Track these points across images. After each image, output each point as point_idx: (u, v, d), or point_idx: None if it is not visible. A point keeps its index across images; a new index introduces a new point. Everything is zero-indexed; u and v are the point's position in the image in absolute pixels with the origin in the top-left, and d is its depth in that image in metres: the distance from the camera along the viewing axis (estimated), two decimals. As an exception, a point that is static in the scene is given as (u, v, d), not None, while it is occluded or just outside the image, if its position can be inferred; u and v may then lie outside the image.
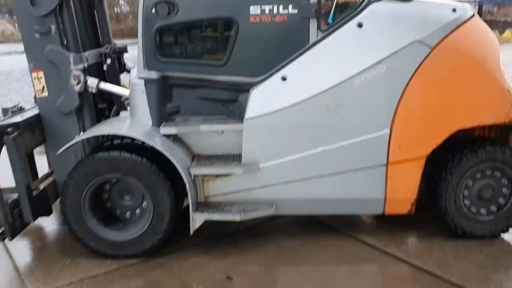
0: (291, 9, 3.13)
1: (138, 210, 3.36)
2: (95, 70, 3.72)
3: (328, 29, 3.15)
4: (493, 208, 3.40)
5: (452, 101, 3.18)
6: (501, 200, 3.39)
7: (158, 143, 3.19)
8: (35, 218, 3.42)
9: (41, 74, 3.43)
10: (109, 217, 3.37)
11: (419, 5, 3.13)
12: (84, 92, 3.47)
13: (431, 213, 3.51)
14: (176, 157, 3.19)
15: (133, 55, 3.54)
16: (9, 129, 3.25)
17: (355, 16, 3.12)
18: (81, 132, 3.49)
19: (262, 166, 3.27)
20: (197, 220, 3.25)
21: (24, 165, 3.32)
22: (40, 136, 3.55)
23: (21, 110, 3.73)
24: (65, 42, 3.39)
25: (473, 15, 3.18)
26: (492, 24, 31.71)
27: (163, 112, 3.35)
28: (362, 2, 3.12)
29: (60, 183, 3.57)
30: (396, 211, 3.39)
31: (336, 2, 3.12)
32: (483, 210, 3.40)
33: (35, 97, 3.81)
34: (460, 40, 3.14)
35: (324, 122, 3.22)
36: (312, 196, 3.35)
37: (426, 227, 3.62)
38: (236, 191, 3.34)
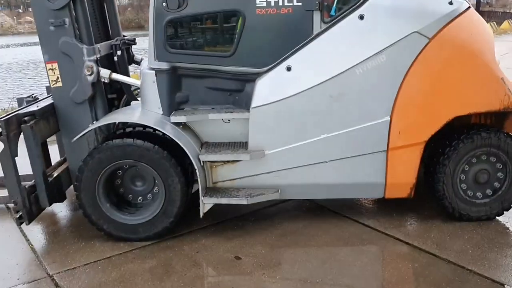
0: (295, 2, 3.27)
1: (149, 195, 3.52)
2: (106, 61, 3.86)
3: (331, 21, 3.29)
4: (489, 191, 3.56)
5: (449, 90, 3.32)
6: (496, 184, 3.55)
7: (169, 131, 3.34)
8: (50, 203, 3.58)
9: (55, 65, 3.57)
10: (122, 202, 3.52)
11: (418, -3, 3.27)
12: (97, 83, 3.61)
13: (430, 197, 3.67)
14: (186, 144, 3.34)
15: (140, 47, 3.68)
16: (26, 118, 3.40)
17: (356, 8, 3.26)
18: (94, 121, 3.64)
19: (267, 152, 3.42)
20: (206, 204, 3.41)
21: (40, 152, 3.47)
22: (55, 125, 3.70)
23: (35, 100, 3.87)
24: (78, 35, 3.53)
25: (469, 8, 3.32)
26: (490, 14, 31.77)
27: (173, 101, 3.50)
28: (363, -5, 3.26)
29: (73, 170, 3.72)
30: (396, 195, 3.55)
31: (339, -6, 3.26)
32: (479, 194, 3.56)
33: (48, 87, 3.95)
34: (457, 31, 3.28)
35: (327, 110, 3.37)
36: (316, 181, 3.50)
37: (425, 210, 3.78)
38: (243, 176, 3.50)
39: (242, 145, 3.48)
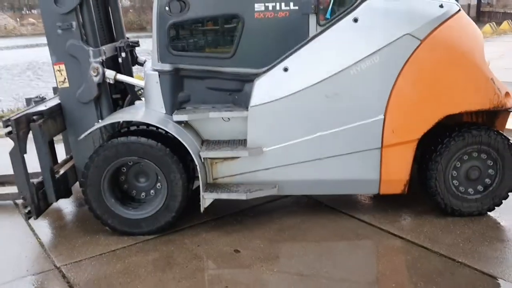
0: (292, 6, 3.41)
1: (152, 191, 3.66)
2: (111, 63, 4.00)
3: (326, 24, 3.42)
4: (480, 187, 3.68)
5: (440, 89, 3.46)
6: (488, 180, 3.68)
7: (171, 129, 3.48)
8: (57, 199, 3.73)
9: (62, 66, 3.72)
10: (126, 197, 3.66)
11: (409, 1, 3.41)
12: (102, 83, 3.76)
13: (424, 194, 3.79)
14: (188, 141, 3.48)
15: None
16: (34, 117, 3.55)
17: (351, 11, 3.40)
18: (99, 120, 3.78)
19: (265, 150, 3.56)
20: (207, 199, 3.55)
21: (48, 149, 3.62)
22: (61, 124, 3.85)
23: (43, 100, 4.02)
24: (84, 37, 3.68)
25: (459, 10, 3.45)
26: (491, 15, 31.86)
27: (175, 101, 3.64)
28: (357, -1, 3.40)
29: (79, 167, 3.87)
30: (390, 191, 3.67)
31: (334, -1, 3.40)
32: (470, 190, 3.69)
33: (55, 88, 4.10)
34: (447, 33, 3.41)
35: (323, 109, 3.50)
36: (312, 177, 3.64)
37: (419, 206, 3.90)
38: (242, 173, 3.63)
39: (241, 143, 3.62)
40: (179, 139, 3.44)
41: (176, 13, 3.43)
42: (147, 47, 3.62)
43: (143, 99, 3.91)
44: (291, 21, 3.43)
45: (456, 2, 3.48)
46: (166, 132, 3.53)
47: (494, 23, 22.76)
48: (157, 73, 3.58)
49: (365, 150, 3.56)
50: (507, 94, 3.56)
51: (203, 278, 3.09)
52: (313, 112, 3.52)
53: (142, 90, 3.97)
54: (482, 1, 35.61)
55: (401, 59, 3.40)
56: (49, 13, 3.62)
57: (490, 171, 3.66)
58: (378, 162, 3.58)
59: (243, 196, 3.52)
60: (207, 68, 3.59)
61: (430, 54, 3.40)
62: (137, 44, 4.40)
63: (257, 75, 3.51)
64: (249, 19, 3.44)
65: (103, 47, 3.81)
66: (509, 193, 3.68)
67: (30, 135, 3.57)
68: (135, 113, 3.78)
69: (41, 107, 3.71)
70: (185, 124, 3.63)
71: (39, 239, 3.69)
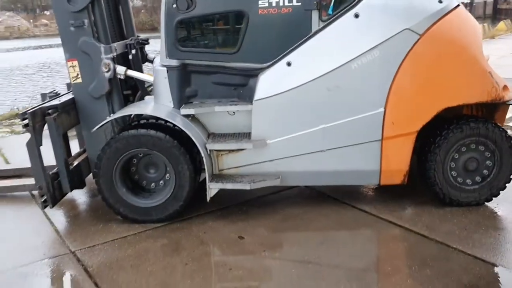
0: (295, 2, 3.54)
1: (161, 182, 3.82)
2: (121, 59, 4.17)
3: (328, 19, 3.55)
4: (478, 178, 3.79)
5: (439, 83, 3.56)
6: (485, 172, 3.78)
7: (179, 122, 3.64)
8: (72, 189, 3.91)
9: (75, 63, 3.90)
10: (136, 187, 3.83)
11: (409, -3, 3.52)
12: (113, 79, 3.93)
13: (422, 185, 3.91)
14: (195, 134, 3.64)
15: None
16: (49, 111, 3.73)
17: (352, 7, 3.52)
18: (111, 114, 3.96)
19: (269, 142, 3.70)
20: (212, 189, 3.70)
21: (62, 142, 3.81)
22: (75, 118, 4.03)
23: (57, 95, 4.21)
24: (96, 35, 3.85)
25: (458, 5, 3.55)
26: (508, 12, 31.52)
27: (182, 96, 3.80)
28: (358, -5, 3.52)
29: (92, 159, 4.05)
30: (390, 182, 3.79)
31: (335, -5, 3.53)
32: (468, 181, 3.79)
33: (69, 83, 4.29)
34: (446, 28, 3.52)
35: (325, 102, 3.63)
36: (314, 168, 3.77)
37: (418, 197, 4.02)
38: (246, 164, 3.78)
39: (246, 136, 3.76)
40: (187, 132, 3.60)
41: (183, 10, 3.59)
42: (158, 47, 3.76)
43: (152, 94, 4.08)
44: (294, 17, 3.56)
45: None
46: (174, 125, 3.69)
47: (510, 20, 22.61)
48: (165, 68, 3.74)
49: (366, 142, 3.68)
50: (505, 87, 3.65)
51: (209, 262, 3.25)
52: (316, 105, 3.65)
53: (151, 86, 4.14)
54: (499, -1, 35.27)
55: (401, 53, 3.51)
56: (62, 11, 3.79)
57: (488, 162, 3.76)
58: (379, 154, 3.69)
59: (247, 186, 3.66)
60: (213, 63, 3.74)
61: (429, 48, 3.50)
62: (147, 42, 4.56)
63: (261, 70, 3.65)
64: (254, 15, 3.57)
65: (114, 44, 3.98)
66: (506, 184, 3.78)
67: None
68: (145, 107, 3.95)
69: (56, 102, 3.90)
70: (192, 118, 3.78)
71: (55, 226, 3.88)
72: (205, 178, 3.71)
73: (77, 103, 4.00)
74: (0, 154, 6.03)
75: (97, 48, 3.82)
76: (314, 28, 3.56)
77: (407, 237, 3.44)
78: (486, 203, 3.83)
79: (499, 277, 2.93)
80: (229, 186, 3.68)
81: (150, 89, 4.35)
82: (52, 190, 3.76)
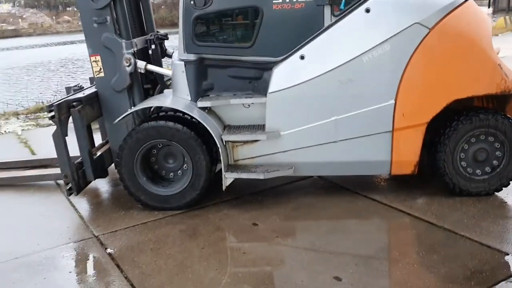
0: (308, -2, 3.67)
1: (179, 171, 4.00)
2: (141, 54, 4.35)
3: (340, 14, 3.67)
4: (487, 169, 3.87)
5: (449, 75, 3.66)
6: (495, 162, 3.85)
7: (196, 114, 3.81)
8: (95, 177, 4.13)
9: (98, 58, 4.09)
10: (156, 176, 4.02)
11: (418, -9, 3.61)
12: (134, 73, 4.12)
13: (433, 175, 4.00)
14: (211, 126, 3.80)
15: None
16: (74, 103, 3.94)
17: (363, 2, 3.63)
18: (132, 106, 4.15)
19: (283, 133, 3.84)
20: (228, 178, 3.86)
21: (86, 132, 4.01)
22: (98, 110, 4.24)
23: (81, 88, 4.43)
24: (118, 31, 4.04)
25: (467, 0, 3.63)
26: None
27: (199, 89, 3.97)
28: (369, -10, 3.62)
29: (114, 149, 4.25)
30: (401, 172, 3.90)
31: (347, -10, 3.64)
32: (478, 171, 3.87)
33: (91, 78, 4.49)
34: (455, 21, 3.60)
35: (337, 95, 3.75)
36: (327, 159, 3.90)
37: (429, 187, 4.11)
38: (260, 155, 3.93)
39: (260, 127, 3.91)
40: (203, 123, 3.76)
41: (200, 6, 3.75)
42: (177, 42, 3.93)
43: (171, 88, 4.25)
44: (307, 12, 3.69)
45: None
46: (192, 117, 3.86)
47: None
48: (183, 63, 3.91)
49: (377, 133, 3.79)
50: (514, 79, 3.72)
51: (224, 246, 3.42)
52: (328, 97, 3.77)
53: (170, 81, 4.32)
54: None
55: (411, 47, 3.60)
56: (86, 8, 3.99)
57: (497, 153, 3.83)
58: (390, 144, 3.80)
59: (261, 176, 3.81)
60: (229, 57, 3.89)
61: (438, 41, 3.59)
62: (166, 37, 4.74)
63: (275, 63, 3.78)
64: (268, 10, 3.71)
65: (135, 40, 4.17)
66: (516, 174, 3.85)
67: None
68: (164, 100, 4.14)
69: (80, 95, 4.11)
70: (209, 110, 3.95)
71: (79, 213, 4.09)
72: (221, 169, 3.88)
73: (100, 96, 4.20)
74: (27, 145, 6.31)
75: (119, 44, 4.01)
76: (327, 22, 3.69)
77: (416, 225, 3.55)
78: (495, 193, 3.90)
79: (504, 262, 3.02)
80: (244, 175, 3.84)
81: (169, 82, 4.53)
82: (77, 179, 3.97)
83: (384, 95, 3.71)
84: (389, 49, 3.62)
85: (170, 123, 3.79)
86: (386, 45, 3.62)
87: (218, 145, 3.78)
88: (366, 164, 3.90)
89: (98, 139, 4.78)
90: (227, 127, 4.01)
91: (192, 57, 3.88)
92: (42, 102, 8.94)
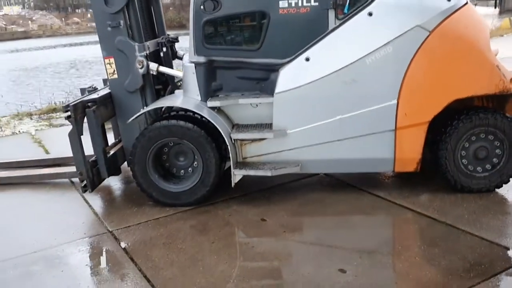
0: (313, 2, 3.81)
1: (190, 169, 4.16)
2: (153, 56, 4.52)
3: (344, 18, 3.81)
4: (488, 166, 3.99)
5: (449, 76, 3.78)
6: (495, 160, 3.97)
7: (206, 114, 3.97)
8: (109, 175, 4.30)
9: (112, 60, 4.26)
10: (167, 174, 4.18)
11: (419, -5, 3.74)
12: (146, 75, 4.28)
13: (435, 172, 4.12)
14: (220, 124, 3.95)
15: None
16: (89, 104, 4.11)
17: (366, 6, 3.77)
18: (144, 107, 4.31)
19: (289, 132, 3.98)
20: (237, 175, 4.02)
21: (100, 132, 4.18)
22: (112, 110, 4.40)
23: (95, 89, 4.60)
24: (131, 34, 4.21)
25: (466, 3, 3.75)
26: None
27: (209, 89, 4.12)
28: (372, -6, 3.76)
29: (127, 148, 4.42)
30: (404, 169, 4.03)
31: (351, -5, 3.78)
32: (479, 168, 4.00)
33: (105, 79, 4.66)
34: (455, 24, 3.73)
35: (342, 95, 3.88)
36: (332, 157, 4.03)
37: (432, 184, 4.24)
38: (268, 152, 4.07)
39: (268, 126, 4.06)
40: (213, 122, 3.92)
41: (209, 11, 3.90)
42: (187, 44, 4.09)
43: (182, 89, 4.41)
44: (312, 16, 3.83)
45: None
46: (202, 116, 4.02)
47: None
48: (193, 64, 4.07)
49: (381, 132, 3.92)
50: (512, 79, 3.84)
51: (233, 241, 3.58)
52: (333, 97, 3.91)
53: (181, 81, 4.48)
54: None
55: (412, 48, 3.73)
56: (100, 13, 4.16)
57: (497, 151, 3.95)
58: (393, 143, 3.93)
59: (268, 173, 3.96)
60: (237, 59, 4.04)
61: (438, 44, 3.72)
62: (176, 40, 4.90)
63: (282, 65, 3.93)
64: (275, 14, 3.86)
65: (147, 43, 4.33)
66: (516, 171, 3.96)
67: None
68: (175, 100, 4.30)
69: (94, 96, 4.28)
70: (218, 110, 4.10)
71: (93, 209, 4.26)
72: (229, 166, 4.03)
73: (113, 97, 4.37)
74: (41, 145, 6.50)
75: (132, 47, 4.17)
76: (331, 26, 3.82)
77: (419, 220, 3.68)
78: (496, 190, 4.02)
79: (502, 255, 3.14)
80: (252, 172, 3.99)
81: (179, 83, 4.70)
82: (91, 176, 4.14)
83: (387, 95, 3.84)
84: (391, 51, 3.76)
85: (181, 122, 3.95)
86: (388, 47, 3.75)
87: (227, 143, 3.93)
88: (370, 161, 4.04)
89: (110, 138, 4.96)
90: (236, 126, 4.16)
91: (202, 59, 4.04)
92: (55, 103, 9.15)
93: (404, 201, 4.00)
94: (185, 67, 4.17)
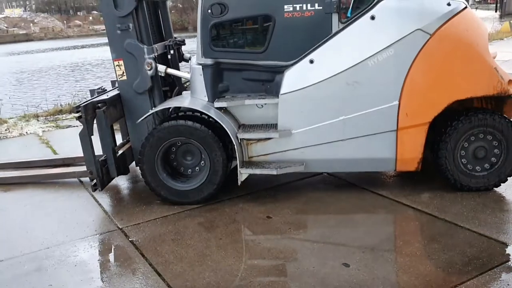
0: (317, 6, 3.94)
1: (197, 168, 4.29)
2: (161, 59, 4.65)
3: (347, 21, 3.94)
4: (486, 165, 4.11)
5: (448, 78, 3.91)
6: (493, 159, 4.10)
7: (213, 114, 4.09)
8: (118, 174, 4.42)
9: (121, 62, 4.39)
10: (175, 173, 4.31)
11: (420, 0, 3.87)
12: (155, 76, 4.41)
13: (435, 171, 4.24)
14: (227, 125, 4.08)
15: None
16: (99, 104, 4.23)
17: (368, 10, 3.90)
18: (152, 107, 4.43)
19: (294, 132, 4.10)
20: (243, 174, 4.14)
21: (110, 132, 4.31)
22: (121, 111, 4.53)
23: (104, 91, 4.73)
24: (139, 37, 4.33)
25: (466, 7, 3.88)
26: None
27: (216, 90, 4.25)
28: (374, -1, 3.89)
29: (135, 148, 4.54)
30: (405, 168, 4.15)
31: (354, -1, 3.91)
32: (478, 167, 4.12)
33: (113, 81, 4.79)
34: (454, 28, 3.86)
35: (345, 96, 4.01)
36: (335, 156, 4.15)
37: (432, 183, 4.36)
38: (273, 152, 4.20)
39: (273, 126, 4.18)
40: (220, 122, 4.04)
41: (217, 15, 4.04)
42: (193, 46, 4.22)
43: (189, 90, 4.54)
44: (316, 20, 3.96)
45: (463, 0, 3.91)
46: (209, 116, 4.14)
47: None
48: (201, 66, 4.20)
49: (383, 132, 4.04)
50: (510, 81, 3.96)
51: (240, 237, 3.70)
52: (336, 99, 4.03)
53: (188, 83, 4.61)
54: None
55: (413, 51, 3.86)
56: (110, 16, 4.29)
57: (495, 151, 4.07)
58: (394, 143, 4.05)
59: (274, 172, 4.08)
60: (243, 61, 4.17)
61: (439, 46, 3.85)
62: (183, 43, 5.03)
63: (287, 67, 4.06)
64: (280, 18, 3.99)
65: (155, 45, 4.46)
66: (513, 171, 4.09)
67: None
68: (183, 101, 4.43)
69: (104, 97, 4.41)
70: (225, 110, 4.23)
71: (103, 207, 4.38)
72: (236, 165, 4.15)
73: (122, 98, 4.50)
74: (48, 146, 6.63)
75: (141, 49, 4.30)
76: (334, 29, 3.95)
77: (419, 217, 3.80)
78: (494, 188, 4.14)
79: (499, 250, 3.26)
80: (257, 171, 4.11)
81: (186, 85, 4.83)
82: (101, 175, 4.27)
83: (388, 96, 3.96)
84: (393, 54, 3.88)
85: (189, 122, 4.08)
86: (390, 50, 3.88)
87: (234, 143, 4.05)
88: (373, 161, 4.16)
89: (118, 139, 5.08)
90: (242, 126, 4.29)
91: (209, 61, 4.17)
92: (61, 105, 9.27)
93: (405, 199, 4.12)
94: (192, 69, 4.30)
